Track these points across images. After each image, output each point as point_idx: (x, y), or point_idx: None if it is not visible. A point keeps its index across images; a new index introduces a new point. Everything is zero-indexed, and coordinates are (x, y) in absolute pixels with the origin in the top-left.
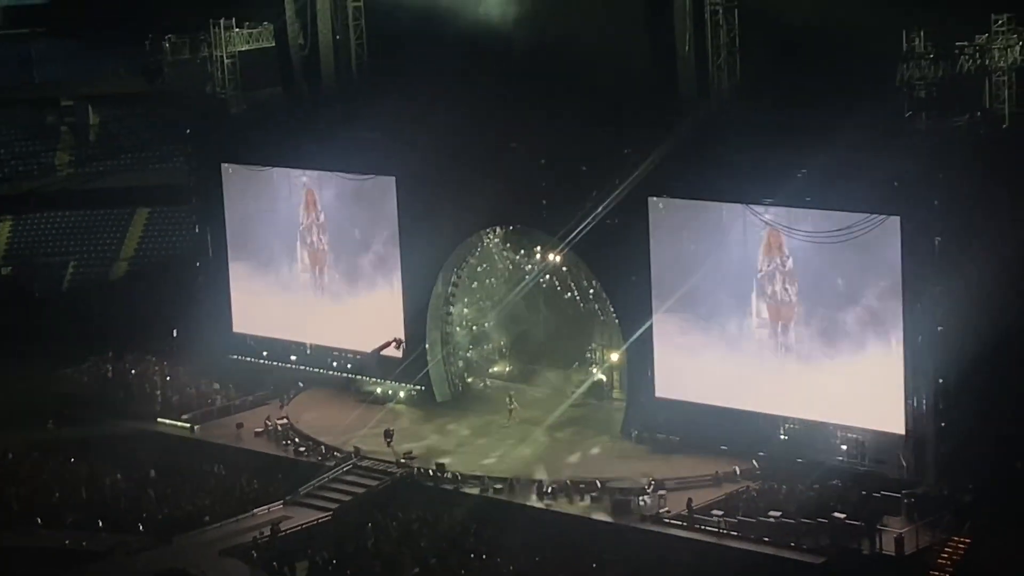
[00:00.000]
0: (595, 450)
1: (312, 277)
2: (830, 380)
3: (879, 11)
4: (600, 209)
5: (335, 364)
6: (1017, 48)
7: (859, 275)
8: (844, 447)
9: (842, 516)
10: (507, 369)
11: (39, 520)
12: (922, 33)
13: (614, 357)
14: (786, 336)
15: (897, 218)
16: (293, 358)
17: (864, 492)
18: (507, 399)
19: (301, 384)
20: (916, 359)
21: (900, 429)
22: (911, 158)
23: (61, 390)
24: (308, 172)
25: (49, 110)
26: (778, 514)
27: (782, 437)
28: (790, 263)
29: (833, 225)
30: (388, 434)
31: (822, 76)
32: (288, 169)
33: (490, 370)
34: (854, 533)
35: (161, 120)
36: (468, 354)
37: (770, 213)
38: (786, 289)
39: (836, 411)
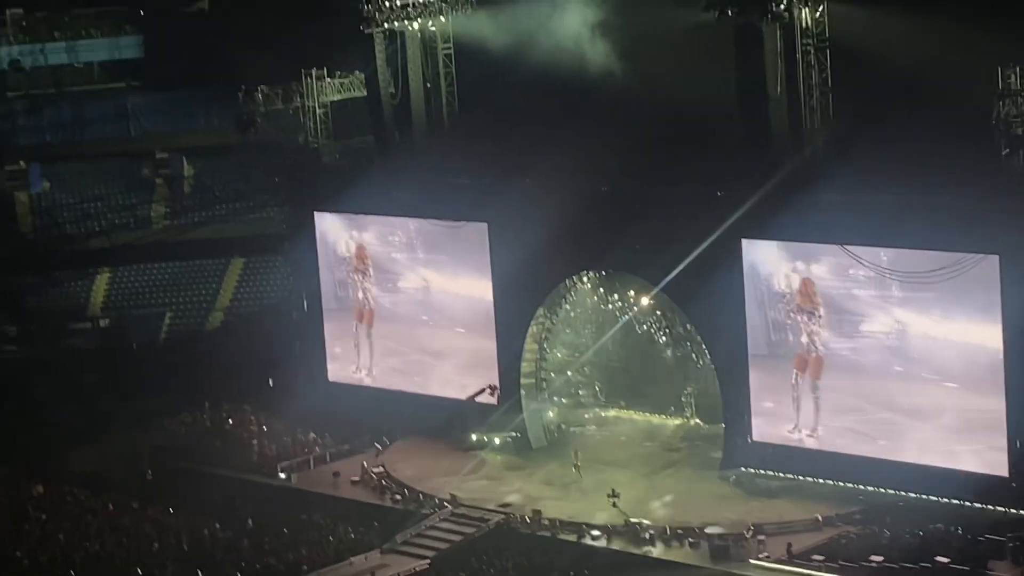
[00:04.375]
0: (691, 495)
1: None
2: (932, 422)
3: (974, 48)
4: (693, 252)
5: (430, 412)
6: None
7: (957, 317)
8: (947, 490)
9: (946, 560)
10: (602, 414)
11: (139, 570)
12: (1018, 70)
13: (709, 401)
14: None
15: (996, 257)
16: (388, 407)
17: (968, 536)
18: (572, 454)
19: (397, 432)
20: (1018, 399)
21: (1004, 471)
22: (1009, 196)
23: (158, 441)
24: (395, 219)
25: (145, 162)
26: (880, 559)
27: (882, 480)
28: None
29: (929, 265)
30: (614, 493)
31: (916, 115)
32: (379, 217)
33: (585, 415)
34: None
35: (254, 170)
36: (563, 399)
37: (864, 253)
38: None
39: (938, 453)
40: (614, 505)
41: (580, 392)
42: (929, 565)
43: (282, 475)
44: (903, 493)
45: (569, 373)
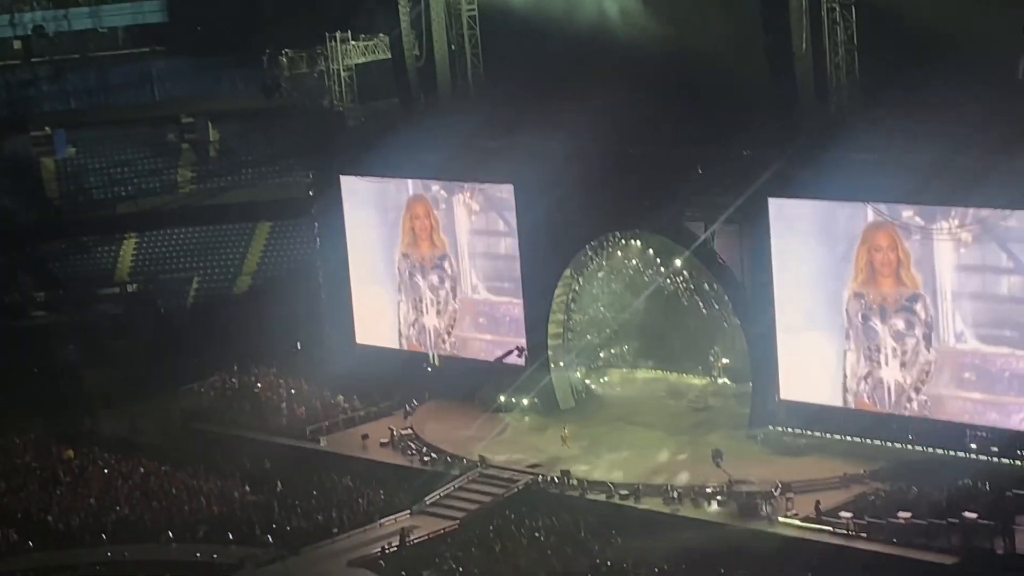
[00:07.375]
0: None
1: (423, 286)
2: (958, 378)
3: (999, 6)
4: (720, 212)
5: (458, 374)
6: None
7: (993, 274)
8: (974, 445)
9: (974, 516)
10: (629, 374)
11: (171, 534)
12: None
13: (736, 360)
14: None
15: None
16: (416, 369)
17: (996, 491)
18: (562, 428)
19: (425, 394)
20: None
21: None
22: None
23: (188, 405)
24: (423, 182)
25: (170, 127)
26: (908, 515)
27: (910, 437)
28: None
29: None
30: (718, 454)
31: (942, 72)
32: (406, 180)
33: (612, 376)
34: (986, 533)
35: (280, 134)
36: (590, 361)
37: (890, 210)
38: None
39: (965, 409)
40: (718, 466)
41: (607, 352)
42: (956, 520)
43: (312, 438)
44: (930, 450)
45: (596, 334)
